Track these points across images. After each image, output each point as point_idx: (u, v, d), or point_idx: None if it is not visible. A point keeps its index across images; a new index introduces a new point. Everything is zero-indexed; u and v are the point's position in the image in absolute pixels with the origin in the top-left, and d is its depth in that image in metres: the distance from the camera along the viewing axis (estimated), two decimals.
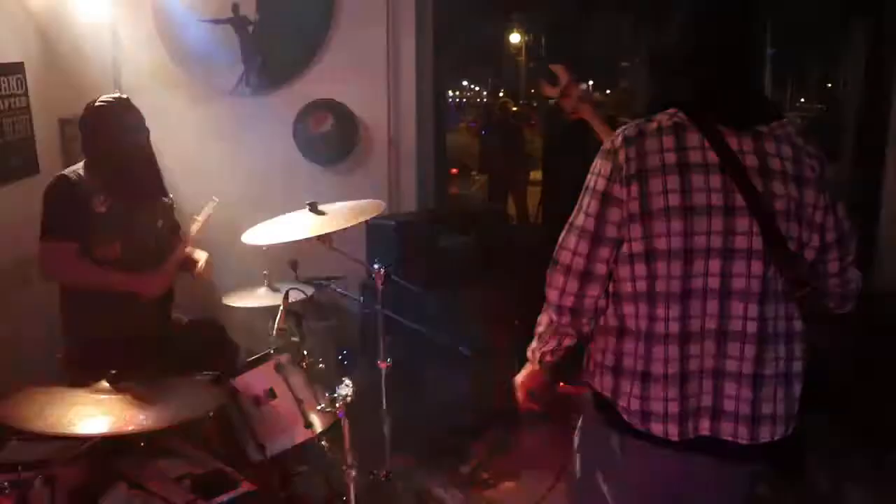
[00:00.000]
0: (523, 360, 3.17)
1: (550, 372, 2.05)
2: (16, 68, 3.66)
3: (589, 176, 1.82)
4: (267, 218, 3.03)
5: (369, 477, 3.08)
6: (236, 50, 4.38)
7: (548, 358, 1.99)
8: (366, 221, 3.42)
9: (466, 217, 4.17)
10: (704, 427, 1.75)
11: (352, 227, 2.90)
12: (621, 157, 1.74)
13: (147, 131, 3.10)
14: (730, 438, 1.75)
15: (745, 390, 1.73)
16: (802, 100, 19.77)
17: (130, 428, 2.13)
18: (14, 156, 3.64)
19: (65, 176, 3.00)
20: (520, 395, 2.13)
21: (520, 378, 2.13)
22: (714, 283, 1.71)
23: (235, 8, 4.32)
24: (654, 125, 1.77)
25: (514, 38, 19.48)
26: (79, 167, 3.04)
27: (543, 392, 2.10)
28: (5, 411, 2.14)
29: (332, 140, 4.37)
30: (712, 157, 1.71)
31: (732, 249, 1.70)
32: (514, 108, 11.81)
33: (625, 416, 1.79)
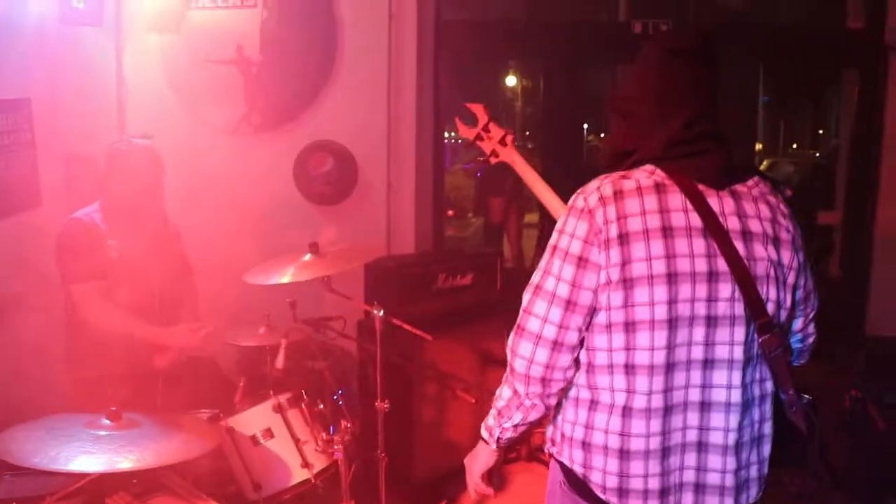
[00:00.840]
0: None
1: (505, 450, 1.89)
2: (23, 104, 3.70)
3: (558, 235, 1.69)
4: (266, 257, 3.05)
5: None
6: (239, 90, 4.44)
7: (508, 435, 1.82)
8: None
9: (463, 259, 4.19)
10: (688, 502, 1.70)
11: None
12: (599, 217, 1.63)
13: (163, 179, 3.08)
14: None
15: (729, 462, 1.68)
16: (794, 145, 19.97)
17: (128, 466, 2.13)
18: (17, 190, 3.67)
19: (78, 220, 2.99)
20: (472, 480, 1.94)
21: (472, 461, 1.93)
22: (697, 353, 1.64)
23: (239, 49, 4.38)
24: (631, 183, 1.66)
25: (511, 80, 19.67)
26: (92, 209, 3.03)
27: (497, 473, 1.93)
28: (1, 446, 2.14)
29: (331, 180, 4.41)
30: (695, 219, 1.63)
31: (716, 317, 1.63)
32: None
33: (599, 493, 1.71)
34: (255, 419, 2.86)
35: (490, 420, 1.84)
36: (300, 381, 3.19)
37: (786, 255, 1.68)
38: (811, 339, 1.86)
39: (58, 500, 2.32)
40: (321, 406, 3.02)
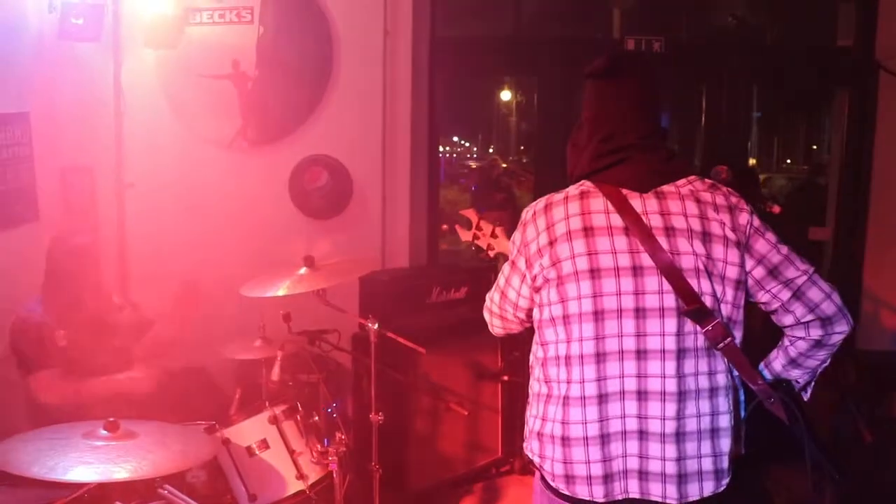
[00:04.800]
0: (511, 417, 3.14)
1: None
2: (21, 118, 3.74)
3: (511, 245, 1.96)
4: (262, 270, 3.08)
5: None
6: (235, 104, 4.47)
7: None
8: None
9: (457, 273, 4.22)
10: (634, 489, 1.77)
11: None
12: (531, 229, 1.87)
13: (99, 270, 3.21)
14: (658, 499, 1.76)
15: (669, 450, 1.74)
16: (788, 160, 20.08)
17: (125, 476, 2.14)
18: (16, 203, 3.69)
19: (27, 316, 3.06)
20: None
21: None
22: (629, 343, 1.75)
23: (236, 64, 4.42)
24: (560, 195, 1.87)
25: (505, 95, 19.77)
26: (35, 304, 3.10)
27: None
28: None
29: (326, 195, 4.44)
30: (616, 220, 1.78)
31: (644, 309, 1.74)
32: (504, 165, 11.97)
33: (550, 481, 1.82)
34: (250, 430, 2.88)
35: None
36: (295, 393, 3.22)
37: (717, 250, 1.76)
38: (824, 305, 1.77)
39: None
40: (316, 418, 3.05)
